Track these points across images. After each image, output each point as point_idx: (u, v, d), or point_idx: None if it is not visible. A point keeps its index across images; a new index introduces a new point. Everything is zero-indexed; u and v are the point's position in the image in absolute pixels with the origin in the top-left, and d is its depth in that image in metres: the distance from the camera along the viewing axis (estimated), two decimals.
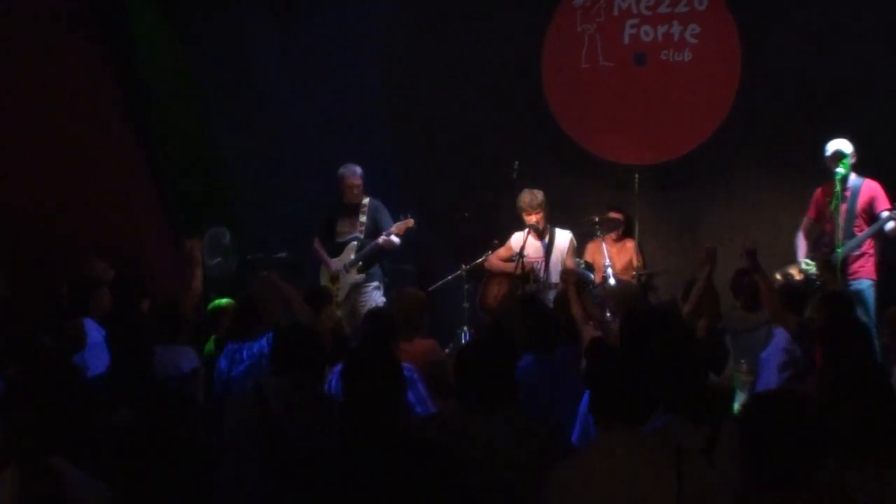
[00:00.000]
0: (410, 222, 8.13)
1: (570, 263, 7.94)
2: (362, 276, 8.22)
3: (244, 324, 5.85)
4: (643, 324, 4.47)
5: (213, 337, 6.53)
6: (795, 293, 6.20)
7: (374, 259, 8.30)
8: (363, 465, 3.04)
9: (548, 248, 7.99)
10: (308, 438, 3.71)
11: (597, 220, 8.23)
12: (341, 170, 8.36)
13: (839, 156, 7.17)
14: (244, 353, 5.63)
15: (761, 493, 2.84)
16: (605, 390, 3.15)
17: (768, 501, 2.83)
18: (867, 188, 7.25)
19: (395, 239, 8.09)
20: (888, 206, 7.14)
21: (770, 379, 5.59)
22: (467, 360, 3.74)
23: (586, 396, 4.57)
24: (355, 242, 8.27)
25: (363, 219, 8.30)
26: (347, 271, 8.26)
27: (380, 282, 8.33)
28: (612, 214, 8.54)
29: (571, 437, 4.63)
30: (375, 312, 5.74)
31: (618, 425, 3.07)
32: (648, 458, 2.99)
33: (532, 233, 7.96)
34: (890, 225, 7.10)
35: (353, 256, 8.25)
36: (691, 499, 2.90)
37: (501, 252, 8.22)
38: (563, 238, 8.05)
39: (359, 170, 8.34)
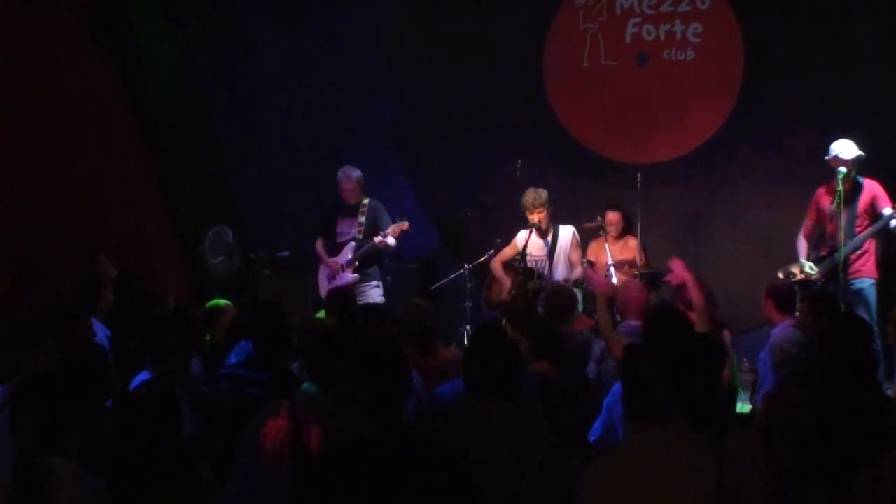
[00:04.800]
0: (405, 225, 8.09)
1: (575, 258, 7.96)
2: (357, 276, 8.21)
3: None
4: (663, 324, 4.49)
5: (206, 338, 6.50)
6: (785, 294, 6.23)
7: (371, 259, 8.29)
8: (368, 462, 3.05)
9: (552, 246, 8.01)
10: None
11: (599, 218, 8.25)
12: (339, 173, 8.35)
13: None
14: None
15: (806, 493, 2.94)
16: (642, 390, 3.13)
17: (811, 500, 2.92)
18: (868, 187, 7.26)
19: (390, 241, 8.05)
20: (890, 204, 7.15)
21: (767, 378, 5.61)
22: (473, 352, 3.77)
23: (612, 392, 4.59)
24: (353, 243, 8.28)
25: (362, 219, 8.29)
26: (343, 270, 8.27)
27: (378, 280, 8.31)
28: (610, 214, 8.52)
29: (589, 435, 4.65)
30: (372, 306, 5.69)
31: (655, 424, 3.06)
32: (686, 457, 2.99)
33: (535, 231, 7.98)
34: (893, 223, 7.10)
35: (350, 256, 8.27)
36: (733, 497, 2.91)
37: (506, 251, 8.23)
38: (566, 233, 8.07)
39: (356, 173, 8.27)
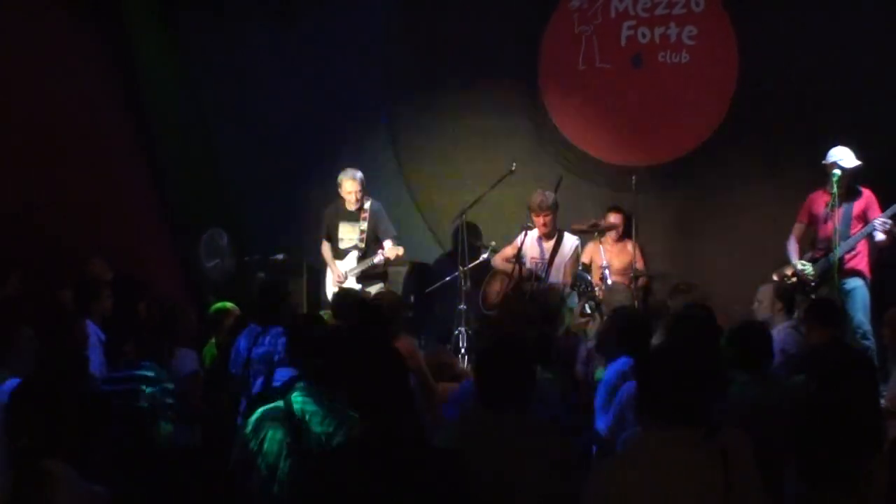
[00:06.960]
0: (400, 251, 8.17)
1: (568, 271, 7.96)
2: (361, 286, 8.24)
3: (269, 308, 5.89)
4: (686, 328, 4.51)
5: (212, 340, 6.52)
6: (791, 296, 6.30)
7: (373, 271, 8.36)
8: (368, 468, 3.05)
9: (553, 251, 8.00)
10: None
11: (595, 224, 8.26)
12: (340, 175, 8.36)
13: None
14: (267, 337, 5.67)
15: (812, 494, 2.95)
16: (660, 393, 3.07)
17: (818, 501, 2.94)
18: (865, 195, 7.35)
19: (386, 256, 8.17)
20: (879, 213, 7.21)
21: None
22: (486, 361, 3.74)
23: (625, 388, 4.59)
24: (356, 252, 8.30)
25: (364, 226, 8.33)
26: (347, 278, 8.32)
27: (381, 284, 8.35)
28: (611, 217, 8.54)
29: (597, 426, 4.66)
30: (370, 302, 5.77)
31: (666, 425, 3.03)
32: (696, 459, 2.98)
33: (538, 235, 7.98)
34: (879, 237, 7.17)
35: (354, 264, 8.32)
36: (738, 500, 2.91)
37: (507, 251, 8.25)
38: (570, 243, 8.06)
39: (359, 174, 8.32)
